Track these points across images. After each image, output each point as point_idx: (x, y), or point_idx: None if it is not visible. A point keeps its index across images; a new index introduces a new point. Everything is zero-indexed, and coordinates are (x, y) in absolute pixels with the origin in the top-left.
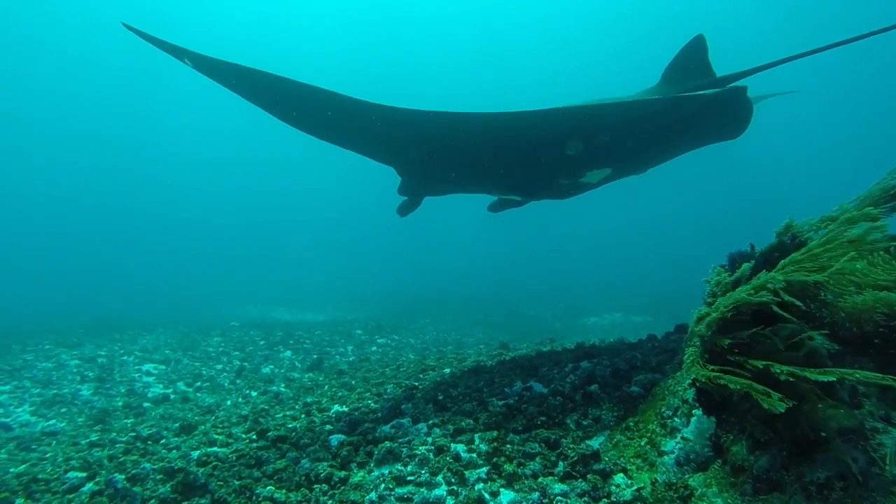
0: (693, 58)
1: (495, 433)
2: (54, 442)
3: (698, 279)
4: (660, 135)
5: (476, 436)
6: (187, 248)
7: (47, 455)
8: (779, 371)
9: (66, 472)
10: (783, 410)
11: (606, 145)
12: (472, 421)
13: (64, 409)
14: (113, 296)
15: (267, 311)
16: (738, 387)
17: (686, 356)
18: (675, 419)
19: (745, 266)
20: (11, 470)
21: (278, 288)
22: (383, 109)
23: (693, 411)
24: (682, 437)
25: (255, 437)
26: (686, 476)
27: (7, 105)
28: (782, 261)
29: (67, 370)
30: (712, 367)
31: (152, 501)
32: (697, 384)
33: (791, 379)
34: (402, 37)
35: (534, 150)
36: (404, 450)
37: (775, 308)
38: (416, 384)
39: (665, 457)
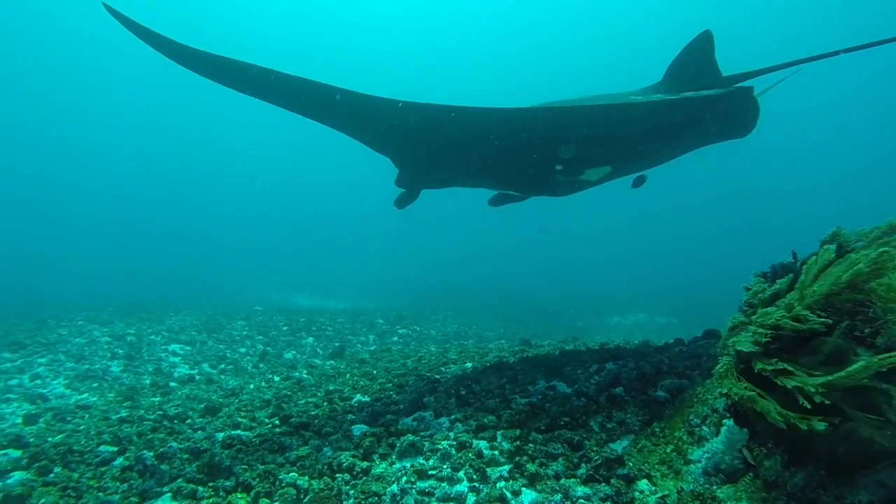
0: (699, 55)
1: (518, 431)
2: (87, 415)
3: (726, 283)
4: (661, 134)
5: (499, 433)
6: (215, 234)
7: (81, 427)
8: (813, 390)
9: (98, 445)
10: (822, 430)
11: (606, 144)
12: (494, 418)
13: (95, 384)
14: (143, 279)
15: (290, 296)
16: (777, 417)
17: (719, 366)
18: (704, 428)
19: (782, 281)
20: (49, 439)
21: (301, 274)
22: (379, 101)
23: (723, 421)
24: (711, 447)
25: (277, 422)
26: (714, 487)
27: (66, 99)
28: (825, 272)
29: (99, 346)
30: (746, 383)
31: (179, 480)
32: (730, 400)
33: (826, 401)
34: (402, 35)
35: (532, 147)
36: (426, 444)
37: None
38: (438, 377)
39: (692, 465)
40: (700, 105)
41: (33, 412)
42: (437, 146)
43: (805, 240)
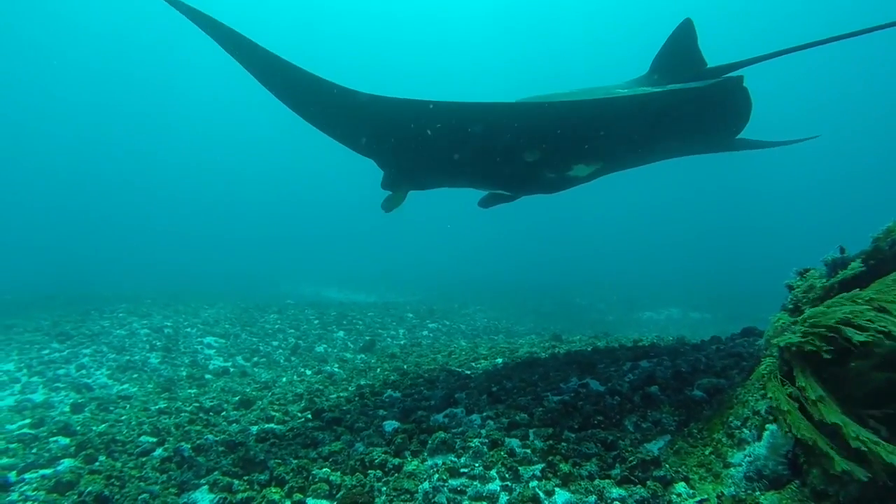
0: (682, 45)
1: (551, 430)
2: (128, 406)
3: (760, 278)
4: (651, 129)
5: (531, 431)
6: (250, 228)
7: (122, 417)
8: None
9: (139, 435)
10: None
11: (592, 139)
12: (526, 416)
13: (135, 375)
14: (180, 270)
15: (321, 290)
16: (825, 449)
17: (763, 367)
18: (745, 430)
19: (833, 280)
20: (94, 428)
21: (332, 268)
22: (357, 95)
23: (766, 425)
24: (753, 451)
25: (310, 416)
26: (756, 493)
27: (101, 98)
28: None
29: (138, 338)
30: (792, 387)
31: (216, 473)
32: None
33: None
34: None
35: (515, 143)
36: (458, 441)
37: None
38: (469, 373)
39: (732, 469)
40: (688, 96)
41: (79, 401)
42: (416, 143)
43: (831, 238)
